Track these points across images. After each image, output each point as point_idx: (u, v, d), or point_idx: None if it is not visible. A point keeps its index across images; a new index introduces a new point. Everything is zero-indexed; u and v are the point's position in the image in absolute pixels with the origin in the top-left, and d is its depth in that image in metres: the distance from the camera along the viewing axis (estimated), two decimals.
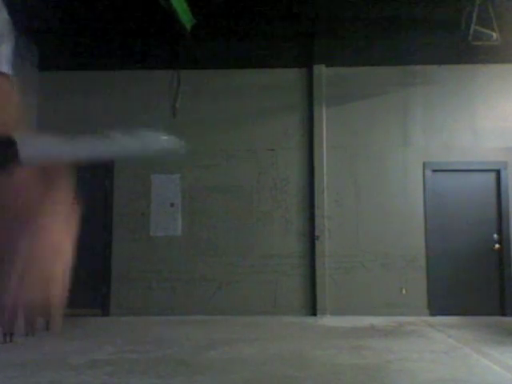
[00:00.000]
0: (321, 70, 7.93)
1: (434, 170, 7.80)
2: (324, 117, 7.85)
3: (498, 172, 7.76)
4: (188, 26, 6.90)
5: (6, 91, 0.62)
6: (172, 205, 7.88)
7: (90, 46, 7.96)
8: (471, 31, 6.39)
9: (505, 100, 7.80)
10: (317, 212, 7.74)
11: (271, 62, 7.92)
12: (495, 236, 7.67)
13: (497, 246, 7.65)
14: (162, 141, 0.34)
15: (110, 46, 7.99)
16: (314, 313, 7.61)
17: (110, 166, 7.95)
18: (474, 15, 6.32)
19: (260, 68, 7.96)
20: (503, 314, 7.52)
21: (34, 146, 0.40)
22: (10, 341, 5.51)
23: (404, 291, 7.64)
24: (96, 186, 7.95)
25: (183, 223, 7.86)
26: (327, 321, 7.23)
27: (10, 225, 0.57)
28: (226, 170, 7.93)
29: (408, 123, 7.88)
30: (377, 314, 7.47)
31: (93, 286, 7.72)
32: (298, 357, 4.98)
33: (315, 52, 7.90)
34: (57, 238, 0.61)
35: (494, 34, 6.39)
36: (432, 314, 7.53)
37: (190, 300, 7.73)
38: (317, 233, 7.70)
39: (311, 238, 7.75)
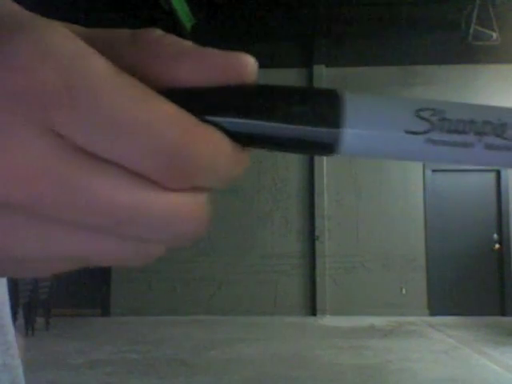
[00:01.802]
0: (321, 70, 7.93)
1: (434, 170, 7.80)
2: None
3: (497, 172, 7.76)
4: (188, 26, 6.91)
5: None
6: None
7: None
8: (471, 31, 6.39)
9: (505, 100, 7.80)
10: (317, 212, 7.74)
11: (271, 62, 7.92)
12: (495, 236, 7.67)
13: (497, 246, 7.65)
14: None
15: None
16: (313, 313, 7.61)
17: None
18: (474, 15, 6.32)
19: (260, 68, 7.92)
20: (503, 314, 7.51)
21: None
22: None
23: (404, 291, 7.64)
24: None
25: None
26: (327, 321, 7.23)
27: None
28: None
29: None
30: (377, 314, 7.47)
31: (93, 286, 7.73)
32: (298, 357, 4.98)
33: (315, 52, 7.90)
34: None
35: (494, 34, 6.40)
36: (432, 314, 7.53)
37: (190, 300, 7.73)
38: (317, 233, 7.70)
39: (311, 238, 7.75)
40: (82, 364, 4.65)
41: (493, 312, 7.51)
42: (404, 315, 7.45)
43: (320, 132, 0.22)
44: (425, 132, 0.22)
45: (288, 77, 7.98)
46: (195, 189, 0.20)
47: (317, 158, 7.83)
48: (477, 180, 7.78)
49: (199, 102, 0.21)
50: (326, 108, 0.22)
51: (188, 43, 0.21)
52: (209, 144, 0.19)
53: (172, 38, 0.21)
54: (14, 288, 5.63)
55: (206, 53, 0.21)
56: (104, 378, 4.18)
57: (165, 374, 4.33)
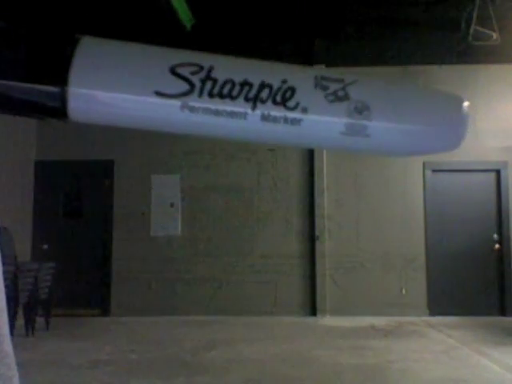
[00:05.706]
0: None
1: (434, 170, 7.79)
2: None
3: (497, 172, 7.76)
4: (188, 26, 6.90)
5: None
6: (172, 205, 7.87)
7: None
8: (471, 31, 6.38)
9: (505, 100, 7.79)
10: (317, 212, 7.73)
11: (271, 62, 7.90)
12: (495, 236, 7.67)
13: (497, 246, 7.64)
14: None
15: None
16: (313, 313, 7.61)
17: (109, 166, 7.95)
18: (474, 15, 6.31)
19: None
20: (503, 314, 7.51)
21: None
22: None
23: (404, 291, 7.64)
24: (96, 185, 7.95)
25: (183, 223, 7.86)
26: (327, 321, 7.23)
27: None
28: (226, 170, 7.93)
29: None
30: (377, 314, 7.46)
31: (93, 286, 7.72)
32: (298, 357, 4.98)
33: (315, 52, 7.89)
34: None
35: (494, 34, 6.38)
36: (432, 314, 7.53)
37: (190, 300, 7.73)
38: (317, 233, 7.70)
39: (311, 238, 7.75)
40: (82, 364, 4.65)
41: (493, 312, 7.51)
42: (404, 315, 7.45)
43: (36, 90, 0.14)
44: (180, 95, 0.16)
45: None
46: None
47: (317, 158, 7.83)
48: (477, 180, 7.78)
49: None
50: (49, 60, 0.14)
51: None
52: None
53: None
54: (14, 288, 5.63)
55: None
56: (104, 378, 4.17)
57: (165, 373, 4.33)
